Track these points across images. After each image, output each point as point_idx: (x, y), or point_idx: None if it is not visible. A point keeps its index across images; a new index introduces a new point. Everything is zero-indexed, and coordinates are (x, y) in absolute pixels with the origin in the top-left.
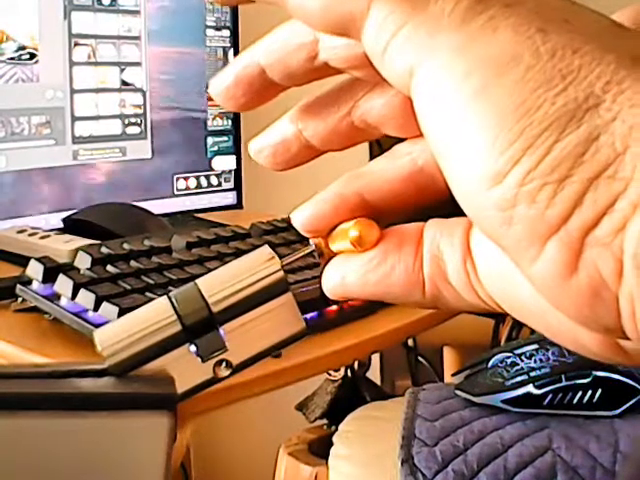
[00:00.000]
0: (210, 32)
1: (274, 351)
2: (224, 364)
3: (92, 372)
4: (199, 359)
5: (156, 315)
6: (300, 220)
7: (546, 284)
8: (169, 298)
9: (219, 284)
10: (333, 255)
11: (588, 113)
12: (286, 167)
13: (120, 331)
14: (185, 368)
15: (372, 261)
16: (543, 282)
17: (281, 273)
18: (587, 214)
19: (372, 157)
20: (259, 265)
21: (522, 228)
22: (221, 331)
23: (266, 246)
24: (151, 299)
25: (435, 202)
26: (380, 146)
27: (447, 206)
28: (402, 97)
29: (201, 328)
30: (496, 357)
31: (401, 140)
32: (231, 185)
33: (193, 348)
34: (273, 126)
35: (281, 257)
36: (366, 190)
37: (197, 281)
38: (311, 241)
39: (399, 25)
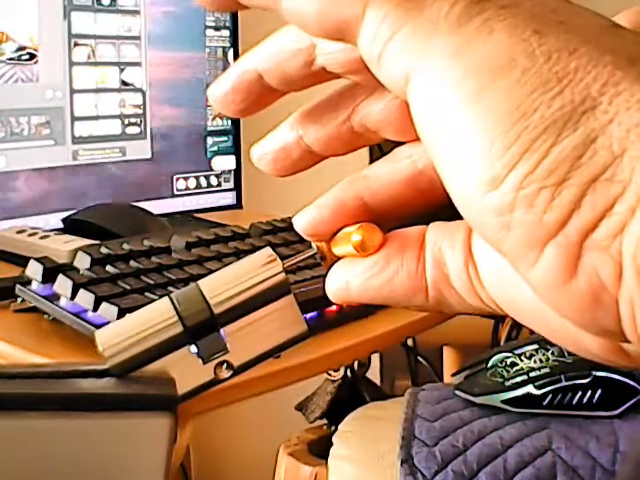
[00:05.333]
0: (210, 32)
1: (275, 353)
2: (225, 365)
3: (93, 373)
4: (200, 360)
5: (157, 316)
6: (301, 224)
7: (545, 288)
8: (170, 299)
9: (221, 285)
10: (336, 259)
11: (585, 116)
12: (288, 173)
13: (121, 332)
14: (186, 369)
15: (375, 266)
16: (542, 286)
17: (283, 275)
18: (585, 218)
19: (372, 160)
20: (261, 267)
21: (520, 233)
22: (222, 333)
23: (268, 248)
24: (151, 299)
25: (436, 205)
26: (380, 149)
27: (448, 209)
28: (400, 101)
29: (202, 329)
30: (496, 357)
31: (401, 143)
32: (231, 185)
33: (194, 349)
34: (274, 132)
35: (283, 259)
36: (367, 194)
37: (199, 282)
38: (313, 244)
39: (394, 29)
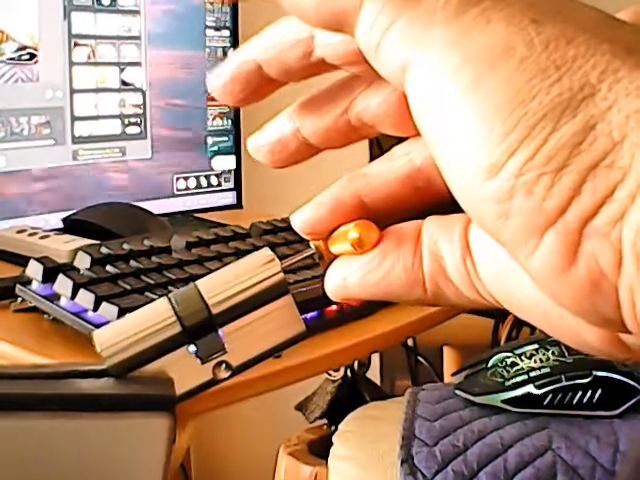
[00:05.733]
0: (210, 32)
1: (274, 353)
2: (223, 366)
3: (92, 373)
4: (198, 360)
5: (156, 316)
6: (299, 223)
7: (545, 276)
8: (169, 299)
9: (219, 285)
10: (333, 257)
11: (584, 102)
12: (284, 165)
13: (120, 332)
14: (184, 369)
15: (372, 261)
16: (542, 275)
17: (281, 275)
18: (585, 204)
19: (372, 157)
20: (259, 267)
21: (519, 220)
22: (221, 333)
23: (266, 248)
24: (151, 299)
25: (433, 203)
26: (380, 147)
27: (446, 208)
28: (398, 95)
29: (201, 329)
30: (496, 357)
31: (401, 140)
32: (231, 185)
33: (193, 349)
34: (271, 123)
35: (281, 259)
36: (364, 192)
37: (197, 282)
38: (311, 243)
39: (392, 20)
